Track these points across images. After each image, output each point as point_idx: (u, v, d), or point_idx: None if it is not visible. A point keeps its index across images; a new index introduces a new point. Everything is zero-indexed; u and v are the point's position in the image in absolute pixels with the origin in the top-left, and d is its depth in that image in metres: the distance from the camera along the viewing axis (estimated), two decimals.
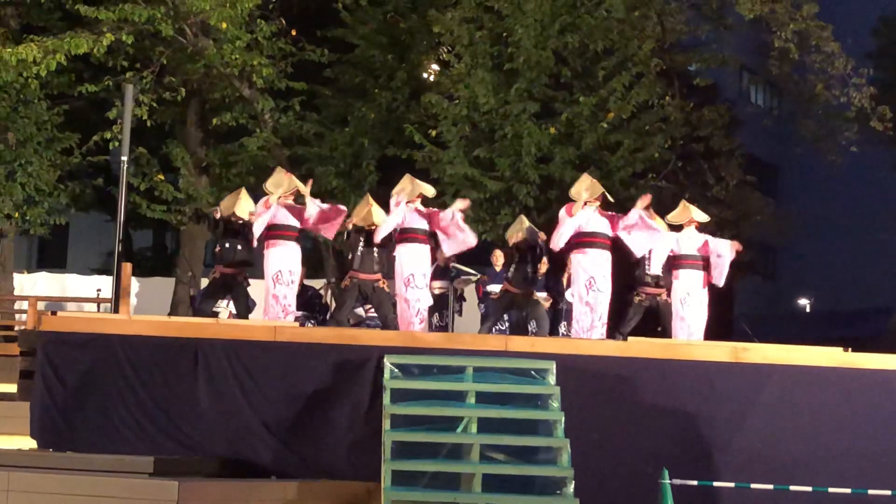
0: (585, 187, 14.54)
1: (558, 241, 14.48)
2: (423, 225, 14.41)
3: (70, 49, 20.83)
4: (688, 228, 14.75)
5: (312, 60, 23.71)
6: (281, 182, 14.74)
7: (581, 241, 14.42)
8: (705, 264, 14.65)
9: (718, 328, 15.88)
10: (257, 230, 14.31)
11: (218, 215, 15.04)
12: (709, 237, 14.79)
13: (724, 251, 14.62)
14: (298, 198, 14.77)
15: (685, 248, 14.62)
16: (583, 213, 14.39)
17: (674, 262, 14.74)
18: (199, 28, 22.20)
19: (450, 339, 13.03)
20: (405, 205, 14.35)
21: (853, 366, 12.52)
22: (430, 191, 14.64)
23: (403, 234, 14.40)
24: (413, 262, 14.27)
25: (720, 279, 14.58)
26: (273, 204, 14.43)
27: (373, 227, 14.73)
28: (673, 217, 14.92)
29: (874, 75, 24.55)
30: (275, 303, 14.46)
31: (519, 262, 15.45)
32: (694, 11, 25.54)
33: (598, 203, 14.49)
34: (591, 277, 14.35)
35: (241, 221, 14.88)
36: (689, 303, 14.48)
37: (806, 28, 22.72)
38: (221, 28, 21.71)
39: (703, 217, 14.95)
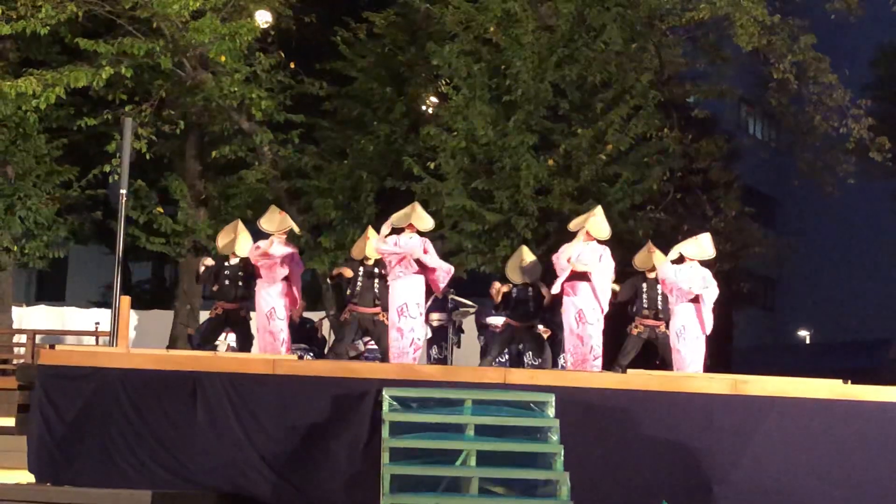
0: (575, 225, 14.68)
1: (556, 288, 14.61)
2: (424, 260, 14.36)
3: (69, 82, 20.88)
4: (688, 262, 14.67)
5: (311, 93, 23.79)
6: (273, 220, 14.91)
7: (569, 276, 14.50)
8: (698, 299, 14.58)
9: (717, 360, 15.87)
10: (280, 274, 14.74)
11: (203, 267, 15.27)
12: (708, 279, 14.63)
13: (711, 300, 14.53)
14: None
15: (681, 282, 14.53)
16: (573, 248, 14.47)
17: (667, 310, 14.73)
18: (197, 61, 22.25)
19: (448, 372, 12.99)
20: (391, 235, 14.28)
21: (853, 398, 12.50)
22: (425, 225, 14.54)
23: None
24: (406, 291, 14.16)
25: (708, 328, 14.49)
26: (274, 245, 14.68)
27: (369, 261, 14.84)
28: (690, 252, 14.76)
29: (872, 106, 24.59)
30: (272, 339, 14.63)
31: (518, 295, 15.48)
32: (692, 44, 25.62)
33: (588, 238, 14.58)
34: (579, 310, 14.46)
35: (238, 258, 15.06)
36: (685, 336, 14.39)
37: (804, 59, 22.78)
38: (220, 61, 21.77)
39: (711, 253, 14.80)
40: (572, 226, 14.94)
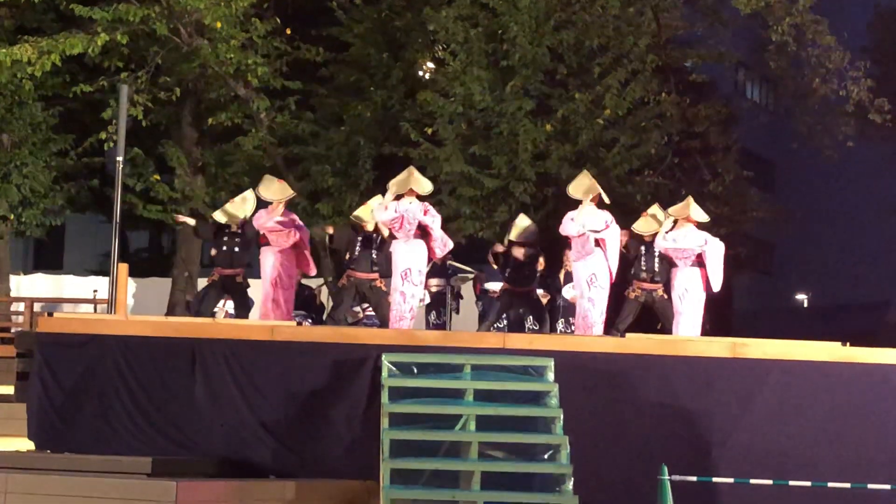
0: (584, 190, 14.56)
1: (569, 230, 14.60)
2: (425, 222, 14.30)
3: (64, 49, 20.81)
4: (686, 225, 14.68)
5: (308, 59, 23.69)
6: (272, 188, 14.92)
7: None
8: (702, 261, 14.61)
9: (717, 324, 15.88)
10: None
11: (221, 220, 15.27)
12: (708, 238, 14.68)
13: (715, 256, 14.55)
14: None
15: (682, 245, 14.56)
16: (581, 213, 14.45)
17: (672, 258, 14.74)
18: (193, 27, 22.14)
19: (447, 337, 13.01)
20: (394, 201, 14.21)
21: (852, 360, 12.50)
22: (423, 188, 14.46)
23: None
24: (409, 256, 14.08)
25: (716, 284, 14.54)
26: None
27: (366, 226, 14.84)
28: (674, 211, 14.88)
29: (870, 69, 24.51)
30: (275, 307, 14.65)
31: (515, 260, 15.47)
32: (689, 7, 25.50)
33: (594, 202, 14.53)
34: (592, 274, 14.45)
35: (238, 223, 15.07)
36: (688, 298, 14.47)
37: (802, 22, 22.68)
38: (216, 27, 21.66)
39: (703, 217, 14.87)
40: (572, 190, 14.81)
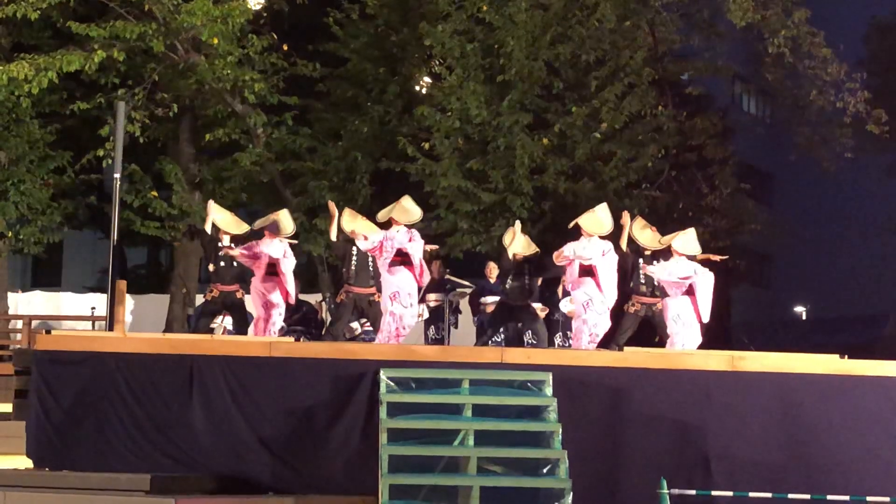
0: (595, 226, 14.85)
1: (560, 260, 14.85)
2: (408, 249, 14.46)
3: (61, 67, 20.84)
4: (675, 256, 14.69)
5: (304, 75, 23.68)
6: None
7: (577, 271, 14.74)
8: (692, 290, 14.62)
9: (715, 337, 15.86)
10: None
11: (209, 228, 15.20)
12: (697, 268, 14.68)
13: (705, 288, 14.57)
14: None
15: (673, 276, 14.57)
16: (578, 245, 14.70)
17: (663, 288, 14.77)
18: (190, 44, 22.17)
19: (445, 353, 13.00)
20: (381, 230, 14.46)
21: (850, 373, 12.53)
22: (409, 218, 14.61)
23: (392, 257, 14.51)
24: (395, 280, 14.30)
25: (705, 315, 14.54)
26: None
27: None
28: (664, 240, 14.90)
29: (866, 81, 24.57)
30: (264, 327, 14.75)
31: (516, 274, 15.49)
32: (685, 20, 25.54)
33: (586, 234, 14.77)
34: (589, 299, 14.63)
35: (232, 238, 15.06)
36: (682, 321, 14.49)
37: (798, 34, 22.74)
38: (213, 44, 21.70)
39: (691, 250, 14.84)
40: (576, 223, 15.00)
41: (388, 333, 14.23)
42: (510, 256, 15.35)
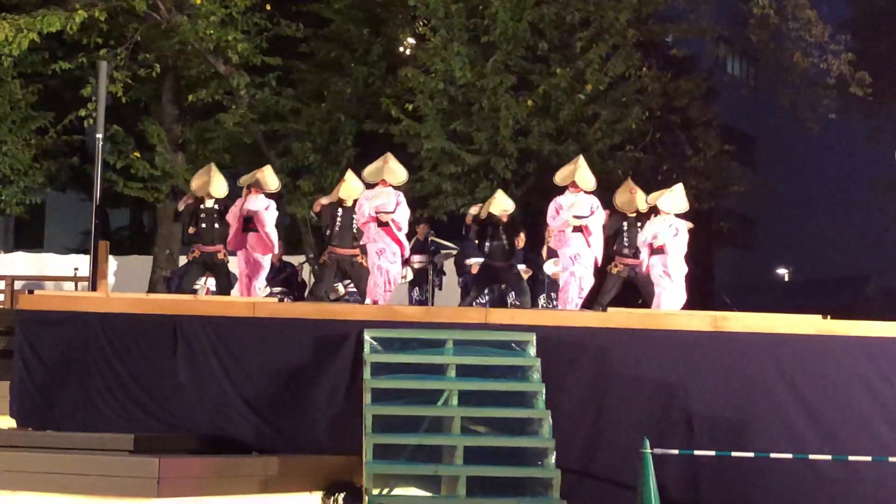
0: (562, 178, 14.97)
1: (553, 225, 14.97)
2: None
3: (43, 27, 20.68)
4: (662, 214, 14.69)
5: (288, 35, 23.56)
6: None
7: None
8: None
9: (698, 298, 15.89)
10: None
11: (183, 205, 15.13)
12: (680, 226, 14.71)
13: (672, 248, 14.61)
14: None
15: (654, 234, 14.62)
16: (565, 201, 14.81)
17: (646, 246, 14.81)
18: (172, 3, 22.04)
19: (429, 313, 12.99)
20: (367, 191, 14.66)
21: (833, 333, 12.56)
22: (397, 178, 14.73)
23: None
24: (385, 239, 14.50)
25: (673, 276, 14.58)
26: None
27: (346, 203, 14.85)
28: (651, 198, 14.93)
29: (851, 43, 24.55)
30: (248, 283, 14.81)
31: (494, 235, 15.48)
32: None
33: (575, 189, 14.79)
34: (576, 253, 14.76)
35: (216, 199, 14.98)
36: (663, 283, 14.52)
37: None
38: (196, 3, 21.57)
39: (676, 207, 14.86)
40: (559, 179, 15.04)
41: (373, 284, 14.49)
42: (483, 215, 15.43)
